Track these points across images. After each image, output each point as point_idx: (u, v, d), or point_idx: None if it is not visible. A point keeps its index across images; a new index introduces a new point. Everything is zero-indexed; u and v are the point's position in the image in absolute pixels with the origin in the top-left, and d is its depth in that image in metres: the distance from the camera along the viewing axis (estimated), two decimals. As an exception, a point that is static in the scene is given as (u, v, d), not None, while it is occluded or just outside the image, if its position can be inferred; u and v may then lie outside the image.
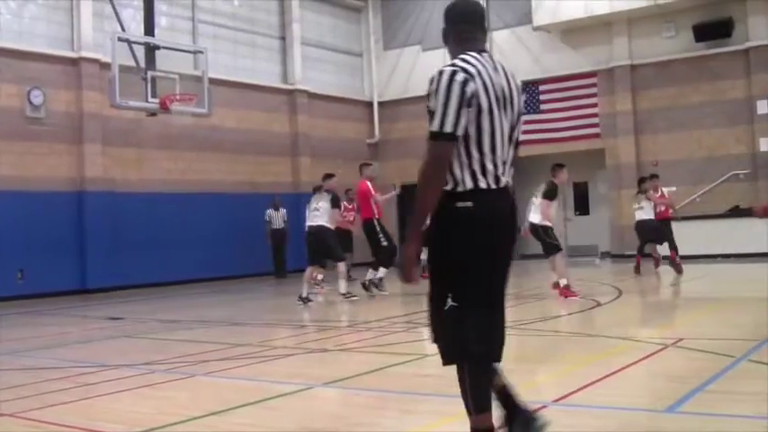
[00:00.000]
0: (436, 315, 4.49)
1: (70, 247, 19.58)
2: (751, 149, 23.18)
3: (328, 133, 27.33)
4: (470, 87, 4.15)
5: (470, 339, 4.38)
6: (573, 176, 26.50)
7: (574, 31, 25.54)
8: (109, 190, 20.33)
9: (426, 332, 4.60)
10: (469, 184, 4.24)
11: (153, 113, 17.78)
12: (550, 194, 14.13)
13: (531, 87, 26.13)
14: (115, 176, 20.68)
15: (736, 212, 22.35)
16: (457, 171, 4.24)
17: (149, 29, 17.67)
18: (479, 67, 4.27)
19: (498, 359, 4.62)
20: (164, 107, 16.89)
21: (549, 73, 25.95)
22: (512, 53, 26.78)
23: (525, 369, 7.65)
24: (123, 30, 18.08)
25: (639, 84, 24.71)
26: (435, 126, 4.17)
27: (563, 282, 13.59)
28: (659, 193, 18.29)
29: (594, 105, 25.26)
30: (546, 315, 11.74)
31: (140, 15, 18.86)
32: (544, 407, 5.73)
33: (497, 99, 4.25)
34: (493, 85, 4.24)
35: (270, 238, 22.37)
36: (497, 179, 4.27)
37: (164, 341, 11.01)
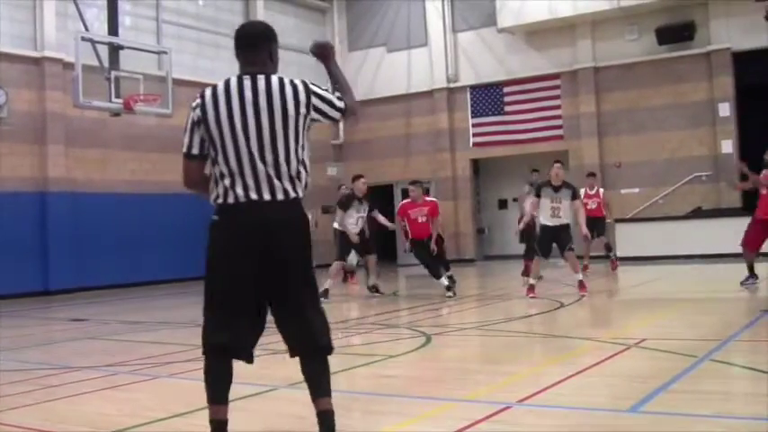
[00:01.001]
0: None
1: (32, 248, 19.41)
2: (713, 151, 23.39)
3: (293, 134, 27.22)
4: (198, 111, 4.85)
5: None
6: (536, 177, 26.74)
7: (538, 33, 25.66)
8: (72, 191, 20.17)
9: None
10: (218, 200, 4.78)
11: (117, 114, 17.69)
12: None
13: (494, 89, 26.26)
14: (78, 177, 20.53)
15: (698, 214, 22.60)
16: (212, 186, 4.80)
17: (113, 28, 17.58)
18: (219, 90, 4.86)
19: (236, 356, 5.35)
20: (127, 107, 16.81)
21: (513, 75, 26.07)
22: (476, 55, 26.91)
23: (489, 369, 7.70)
24: (87, 29, 17.97)
25: (603, 86, 24.88)
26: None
27: (532, 281, 13.78)
28: (594, 191, 19.10)
29: (558, 107, 25.40)
30: (510, 316, 11.79)
31: (104, 15, 18.75)
32: (508, 407, 5.76)
33: (229, 119, 4.71)
34: (227, 105, 4.75)
35: None
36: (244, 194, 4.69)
37: (127, 343, 10.94)
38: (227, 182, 4.67)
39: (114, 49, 17.08)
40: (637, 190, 24.29)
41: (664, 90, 24.00)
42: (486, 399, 6.16)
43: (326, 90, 5.10)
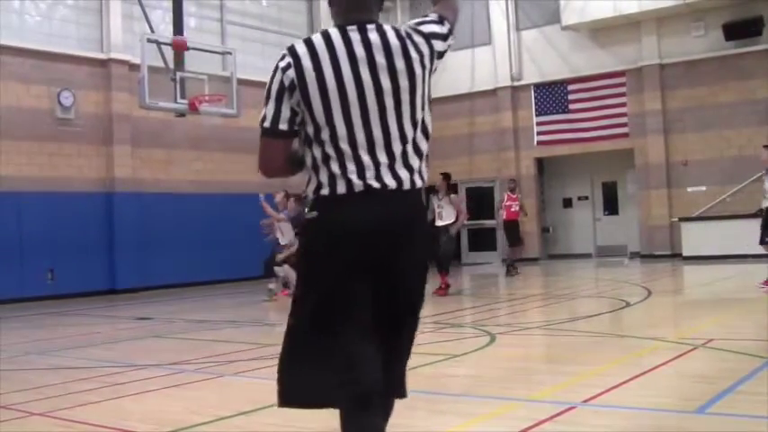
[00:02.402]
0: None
1: (99, 247, 19.69)
2: (782, 148, 22.95)
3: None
4: (290, 73, 3.64)
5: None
6: (601, 176, 26.46)
7: (602, 30, 25.39)
8: (138, 191, 20.43)
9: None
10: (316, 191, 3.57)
11: (182, 114, 17.83)
12: None
13: (559, 87, 26.03)
14: (144, 177, 20.78)
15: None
16: (307, 175, 3.61)
17: (178, 30, 17.72)
18: (317, 44, 3.60)
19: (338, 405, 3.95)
20: (192, 108, 16.94)
21: (578, 72, 25.81)
22: (540, 53, 26.71)
23: (553, 369, 7.62)
24: (152, 31, 18.15)
25: (668, 83, 24.53)
26: (259, 121, 3.67)
27: None
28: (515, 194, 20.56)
29: (623, 105, 25.08)
30: (575, 315, 11.68)
31: (169, 16, 18.94)
32: (573, 407, 5.70)
33: (338, 83, 3.49)
34: (333, 65, 3.52)
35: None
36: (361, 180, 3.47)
37: (192, 341, 11.04)
38: (334, 166, 3.46)
39: (179, 51, 17.23)
40: (703, 188, 23.91)
41: (731, 87, 23.59)
42: (550, 399, 6.11)
43: (428, 19, 3.98)
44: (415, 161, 3.60)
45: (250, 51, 24.00)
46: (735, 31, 23.16)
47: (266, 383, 7.42)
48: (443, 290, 15.36)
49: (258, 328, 12.56)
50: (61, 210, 18.93)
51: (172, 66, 16.87)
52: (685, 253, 22.26)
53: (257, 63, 24.29)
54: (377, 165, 3.46)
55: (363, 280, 3.51)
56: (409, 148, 3.57)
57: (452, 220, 15.66)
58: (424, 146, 3.67)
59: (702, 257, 21.47)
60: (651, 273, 19.38)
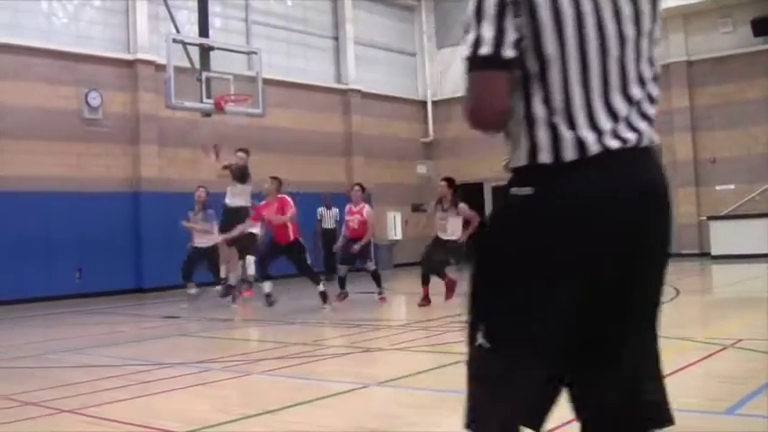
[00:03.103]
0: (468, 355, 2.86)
1: (126, 246, 19.80)
2: (811, 146, 22.79)
3: (382, 133, 27.36)
4: None
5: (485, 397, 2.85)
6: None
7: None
8: (164, 190, 20.51)
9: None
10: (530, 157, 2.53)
11: (208, 114, 17.92)
12: None
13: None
14: (170, 177, 20.87)
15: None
16: (514, 133, 2.58)
17: (204, 30, 17.81)
18: None
19: None
20: (218, 108, 17.00)
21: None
22: (566, 51, 26.61)
23: (581, 369, 7.58)
24: (178, 31, 18.23)
25: (696, 80, 24.37)
26: (468, 49, 2.50)
27: None
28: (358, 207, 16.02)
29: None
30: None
31: (195, 17, 19.04)
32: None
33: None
34: None
35: (320, 238, 21.98)
36: (599, 141, 2.48)
37: (218, 339, 11.08)
38: (560, 118, 2.47)
39: (205, 51, 17.30)
40: (732, 186, 23.74)
41: (759, 83, 23.41)
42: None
43: None
44: (651, 110, 2.69)
45: (275, 51, 24.07)
46: (763, 27, 22.97)
47: (292, 382, 7.47)
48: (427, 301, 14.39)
49: (283, 326, 12.58)
50: (89, 209, 19.04)
51: (198, 66, 16.95)
52: (714, 252, 22.10)
53: (282, 63, 24.40)
54: (614, 115, 2.51)
55: (593, 269, 2.52)
56: (647, 92, 2.66)
57: (460, 235, 14.44)
58: (657, 91, 2.72)
59: (731, 256, 21.30)
60: (679, 272, 19.25)
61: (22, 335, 12.63)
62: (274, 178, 15.03)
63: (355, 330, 11.22)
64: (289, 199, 14.66)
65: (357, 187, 15.78)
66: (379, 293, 15.41)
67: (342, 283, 15.46)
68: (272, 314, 13.94)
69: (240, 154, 16.17)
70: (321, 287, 14.28)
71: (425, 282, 14.24)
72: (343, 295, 15.36)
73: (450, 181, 14.46)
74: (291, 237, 14.34)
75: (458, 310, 12.71)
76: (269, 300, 14.53)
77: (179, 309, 15.22)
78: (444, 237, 14.26)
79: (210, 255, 16.01)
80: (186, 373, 8.00)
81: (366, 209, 15.27)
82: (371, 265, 15.54)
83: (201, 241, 16.05)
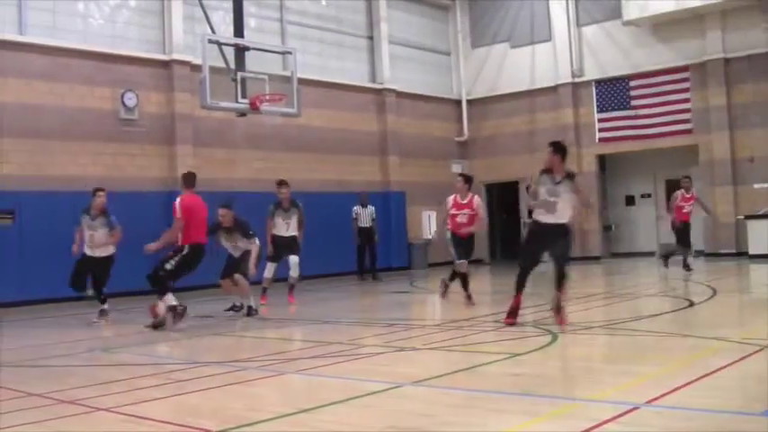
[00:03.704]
0: None
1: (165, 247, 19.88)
2: None
3: (417, 132, 27.33)
4: None
5: None
6: (664, 173, 26.13)
7: (664, 25, 25.05)
8: (199, 190, 20.52)
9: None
10: None
11: (243, 114, 17.98)
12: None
13: (620, 83, 25.75)
14: (205, 176, 20.89)
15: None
16: None
17: (239, 30, 17.87)
18: None
19: None
20: (253, 107, 17.06)
21: (640, 68, 25.50)
22: (601, 49, 26.47)
23: (616, 369, 7.54)
24: (213, 32, 18.32)
25: (734, 77, 24.10)
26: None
27: None
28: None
29: (687, 101, 24.71)
30: (638, 314, 11.55)
31: (230, 17, 19.11)
32: (636, 408, 5.63)
33: None
34: None
35: (357, 236, 21.93)
36: None
37: (254, 339, 11.11)
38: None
39: (240, 51, 17.36)
40: (771, 185, 23.50)
41: (798, 81, 23.15)
42: (612, 399, 6.04)
43: None
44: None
45: (310, 51, 24.11)
46: (802, 24, 22.72)
47: (326, 381, 7.48)
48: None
49: (319, 326, 12.60)
50: (125, 209, 19.06)
51: (233, 66, 17.01)
52: (751, 251, 21.88)
53: (317, 62, 24.43)
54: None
55: None
56: None
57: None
58: None
59: (768, 256, 21.08)
60: (716, 271, 19.10)
61: (57, 334, 12.75)
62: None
63: (390, 330, 11.22)
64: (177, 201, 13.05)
65: (460, 178, 14.38)
66: (468, 296, 14.16)
67: (465, 284, 14.32)
68: (307, 314, 13.97)
69: (223, 211, 14.74)
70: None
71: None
72: (468, 297, 14.20)
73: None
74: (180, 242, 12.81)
75: (492, 308, 12.68)
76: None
77: (211, 309, 15.28)
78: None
79: (102, 267, 14.60)
80: (221, 372, 8.04)
81: (476, 200, 14.09)
82: (464, 265, 14.20)
83: (98, 251, 14.54)
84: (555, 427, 5.43)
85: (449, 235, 14.15)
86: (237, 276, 14.07)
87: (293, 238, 15.54)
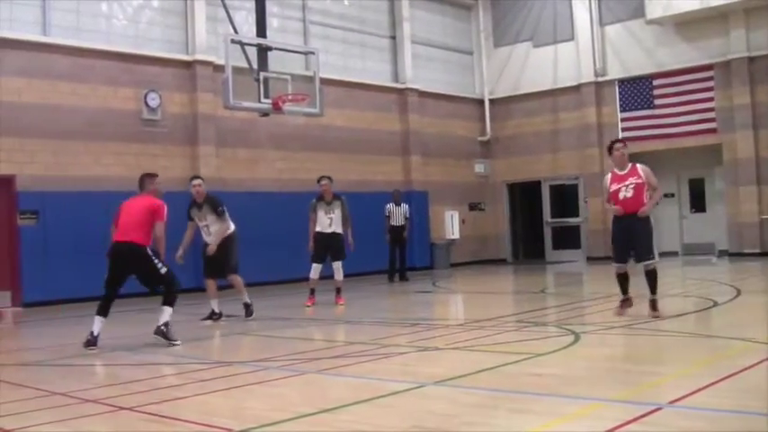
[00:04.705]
0: None
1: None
2: None
3: (439, 132, 27.31)
4: None
5: None
6: (688, 173, 25.98)
7: (688, 24, 24.91)
8: (222, 190, 20.63)
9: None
10: None
11: (266, 114, 17.99)
12: None
13: (644, 82, 25.63)
14: (228, 176, 21.01)
15: None
16: None
17: (261, 31, 17.88)
18: None
19: None
20: (276, 107, 17.07)
21: (663, 67, 25.37)
22: (624, 48, 26.36)
23: (639, 369, 7.50)
24: (236, 32, 18.35)
25: (758, 76, 23.92)
26: None
27: None
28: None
29: (711, 100, 24.57)
30: (661, 315, 11.48)
31: (252, 18, 19.13)
32: (659, 409, 5.60)
33: None
34: None
35: (388, 235, 21.54)
36: None
37: (276, 338, 11.13)
38: None
39: (263, 51, 17.37)
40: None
41: (824, 79, 22.98)
42: (635, 399, 6.01)
43: None
44: None
45: (332, 51, 24.14)
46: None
47: (349, 381, 7.48)
48: None
49: (342, 325, 12.61)
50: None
51: (255, 66, 17.03)
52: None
53: (339, 62, 24.46)
54: None
55: None
56: None
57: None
58: None
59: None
60: (740, 271, 18.98)
61: (83, 333, 12.80)
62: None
63: (413, 330, 11.21)
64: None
65: (620, 144, 11.47)
66: (652, 301, 11.27)
67: (624, 286, 11.54)
68: (330, 314, 13.98)
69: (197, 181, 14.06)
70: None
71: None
72: (627, 302, 11.58)
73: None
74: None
75: (514, 308, 12.65)
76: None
77: (232, 309, 15.28)
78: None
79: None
80: (243, 372, 8.05)
81: (640, 167, 11.23)
82: (652, 262, 11.31)
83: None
84: (578, 428, 5.41)
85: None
86: (231, 276, 13.61)
87: (336, 236, 15.16)
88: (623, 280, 11.40)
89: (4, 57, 17.69)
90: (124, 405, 6.56)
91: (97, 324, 10.67)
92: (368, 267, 22.22)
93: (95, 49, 19.03)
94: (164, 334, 10.57)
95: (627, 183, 11.00)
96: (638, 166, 11.21)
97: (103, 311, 10.86)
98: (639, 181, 10.98)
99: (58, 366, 9.16)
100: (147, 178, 11.95)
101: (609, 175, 11.33)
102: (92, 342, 10.47)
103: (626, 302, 11.37)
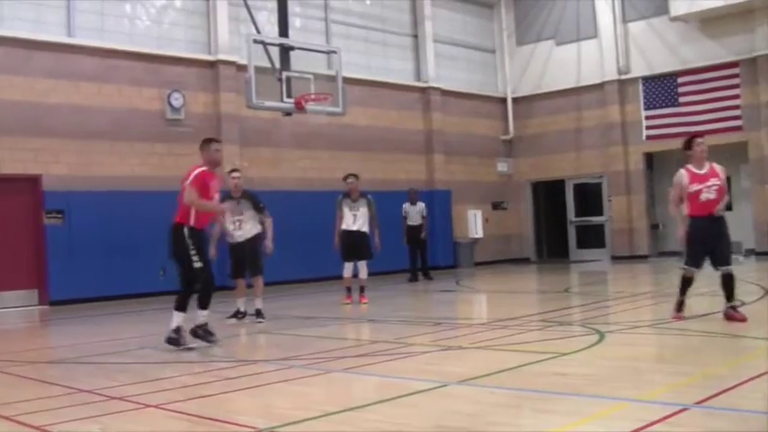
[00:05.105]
0: None
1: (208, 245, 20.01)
2: None
3: (462, 130, 27.29)
4: None
5: None
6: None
7: (713, 20, 24.75)
8: (246, 189, 20.68)
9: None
10: None
11: (288, 113, 18.03)
12: None
13: (668, 80, 25.50)
14: (252, 176, 21.03)
15: None
16: None
17: (283, 30, 17.93)
18: None
19: None
20: (299, 107, 17.10)
21: (688, 65, 25.22)
22: (648, 45, 26.22)
23: (665, 369, 7.47)
24: (258, 32, 18.41)
25: (784, 73, 23.75)
26: None
27: None
28: None
29: (737, 97, 24.41)
30: (688, 314, 11.42)
31: (274, 17, 19.18)
32: (685, 409, 5.57)
33: None
34: None
35: (405, 235, 21.36)
36: None
37: (300, 337, 11.15)
38: None
39: (285, 51, 17.42)
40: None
41: None
42: (661, 400, 5.98)
43: None
44: None
45: (354, 50, 24.16)
46: None
47: (373, 380, 7.48)
48: None
49: (365, 324, 12.62)
50: (172, 208, 19.28)
51: (278, 66, 17.07)
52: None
53: (362, 61, 24.48)
54: None
55: None
56: None
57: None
58: None
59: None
60: (766, 270, 18.86)
61: (108, 331, 12.89)
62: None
63: (436, 329, 11.20)
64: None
65: (700, 140, 10.83)
66: (733, 307, 10.49)
67: (686, 290, 10.90)
68: (354, 313, 14.00)
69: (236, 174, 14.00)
70: None
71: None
72: (683, 306, 10.94)
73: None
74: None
75: (539, 308, 12.61)
76: None
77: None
78: None
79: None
80: (269, 370, 8.08)
81: (718, 167, 10.78)
82: (731, 266, 10.61)
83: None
84: (602, 428, 5.39)
85: (688, 222, 10.73)
86: (257, 278, 13.41)
87: (361, 235, 15.19)
88: (689, 284, 10.84)
89: (30, 58, 17.83)
90: (151, 403, 6.59)
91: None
92: (391, 266, 22.15)
93: (120, 49, 19.15)
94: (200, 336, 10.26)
95: (709, 183, 10.38)
96: (715, 165, 10.67)
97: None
98: (720, 183, 10.44)
99: (85, 364, 9.21)
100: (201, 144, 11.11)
101: (685, 174, 10.59)
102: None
103: (682, 306, 10.87)
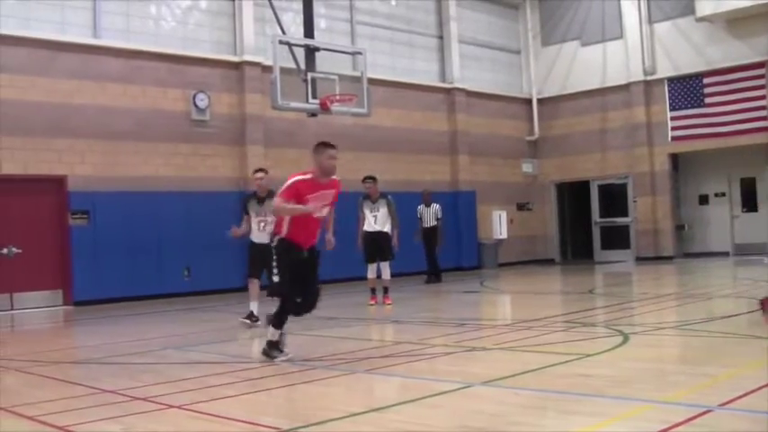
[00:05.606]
0: None
1: (234, 245, 19.96)
2: None
3: (487, 131, 27.25)
4: None
5: None
6: (739, 172, 25.67)
7: (739, 21, 24.59)
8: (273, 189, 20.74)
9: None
10: None
11: (313, 114, 18.05)
12: None
13: (694, 81, 25.36)
14: (277, 176, 21.03)
15: None
16: None
17: (309, 31, 17.95)
18: None
19: None
20: (324, 108, 17.11)
21: (714, 65, 25.08)
22: (674, 46, 26.09)
23: (689, 371, 7.43)
24: (284, 33, 18.44)
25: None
26: None
27: None
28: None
29: (762, 98, 24.24)
30: (711, 315, 11.37)
31: (300, 18, 19.19)
32: (709, 411, 5.54)
33: None
34: None
35: (421, 237, 21.08)
36: None
37: (323, 338, 11.16)
38: None
39: (310, 52, 17.43)
40: None
41: None
42: (685, 401, 5.95)
43: None
44: None
45: (379, 51, 24.18)
46: None
47: (396, 380, 7.49)
48: None
49: (388, 325, 12.62)
50: (197, 209, 19.40)
51: (303, 67, 17.10)
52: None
53: (387, 62, 24.50)
54: None
55: None
56: None
57: None
58: None
59: None
60: (791, 271, 18.73)
61: (133, 332, 12.95)
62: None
63: (460, 330, 11.19)
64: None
65: None
66: None
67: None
68: (377, 313, 14.01)
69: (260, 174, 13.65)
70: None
71: None
72: None
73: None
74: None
75: (563, 309, 12.57)
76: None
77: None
78: None
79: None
80: (292, 371, 8.08)
81: None
82: None
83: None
84: (626, 429, 5.37)
85: None
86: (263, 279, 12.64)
87: (382, 235, 15.27)
88: None
89: (56, 59, 17.95)
90: (173, 403, 6.62)
91: None
92: (412, 268, 22.10)
93: (145, 50, 19.25)
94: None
95: None
96: None
97: None
98: None
99: (108, 364, 9.26)
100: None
101: None
102: None
103: None
